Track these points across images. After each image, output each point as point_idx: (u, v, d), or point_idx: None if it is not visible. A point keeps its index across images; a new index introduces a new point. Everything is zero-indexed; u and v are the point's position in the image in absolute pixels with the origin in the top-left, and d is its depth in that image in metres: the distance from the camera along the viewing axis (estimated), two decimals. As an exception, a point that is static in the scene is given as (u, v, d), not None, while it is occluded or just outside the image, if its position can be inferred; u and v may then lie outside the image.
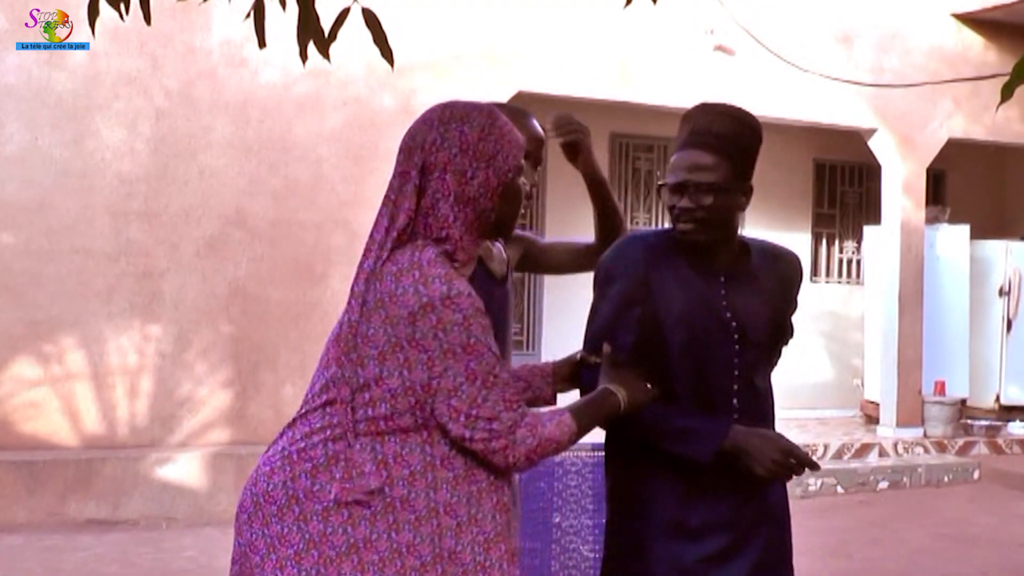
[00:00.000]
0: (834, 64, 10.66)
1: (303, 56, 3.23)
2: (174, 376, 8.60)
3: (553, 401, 2.84)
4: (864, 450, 10.63)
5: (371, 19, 3.10)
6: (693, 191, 2.72)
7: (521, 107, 3.20)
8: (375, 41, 3.12)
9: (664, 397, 2.70)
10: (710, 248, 2.79)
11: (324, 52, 3.21)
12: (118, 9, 3.13)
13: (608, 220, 3.42)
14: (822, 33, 10.73)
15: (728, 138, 2.76)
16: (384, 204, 2.37)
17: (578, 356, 2.84)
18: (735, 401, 2.79)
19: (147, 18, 3.19)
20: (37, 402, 8.29)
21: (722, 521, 2.77)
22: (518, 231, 3.39)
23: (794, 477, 2.73)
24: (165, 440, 8.57)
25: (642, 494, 2.80)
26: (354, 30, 3.17)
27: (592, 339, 2.79)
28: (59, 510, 7.88)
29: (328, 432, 2.30)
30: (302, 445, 2.31)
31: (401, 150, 2.39)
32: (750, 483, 2.72)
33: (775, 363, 3.01)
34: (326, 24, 3.17)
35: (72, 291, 8.35)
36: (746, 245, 2.90)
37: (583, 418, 2.45)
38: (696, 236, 2.74)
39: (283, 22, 3.43)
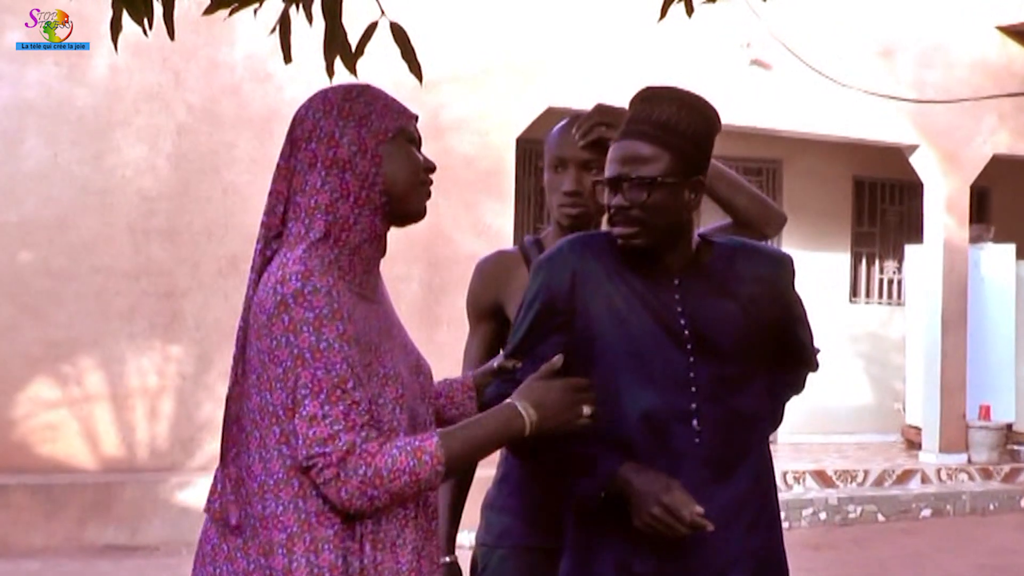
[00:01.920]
0: (874, 79, 10.55)
1: (330, 71, 3.12)
2: (195, 398, 8.56)
3: None
4: (906, 476, 10.52)
5: (399, 33, 3.01)
6: (627, 187, 2.38)
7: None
8: (403, 56, 3.03)
9: (604, 419, 2.36)
10: (656, 250, 2.44)
11: (351, 67, 3.12)
12: (142, 24, 3.07)
13: (716, 196, 2.92)
14: (862, 47, 10.64)
15: (669, 126, 2.40)
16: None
17: (495, 364, 2.50)
18: (695, 422, 2.39)
19: (171, 33, 3.11)
20: (55, 424, 8.27)
21: (673, 571, 2.38)
22: None
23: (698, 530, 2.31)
24: (186, 464, 8.53)
25: (595, 525, 2.45)
26: (381, 44, 3.08)
27: (512, 351, 2.48)
28: (77, 535, 7.85)
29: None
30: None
31: None
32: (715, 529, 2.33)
33: (789, 388, 2.68)
34: (353, 38, 3.10)
35: (92, 311, 8.33)
36: (710, 243, 2.54)
37: (458, 442, 2.09)
38: (633, 240, 2.40)
39: (309, 36, 3.36)
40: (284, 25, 3.09)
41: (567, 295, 2.41)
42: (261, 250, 2.16)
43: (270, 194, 2.20)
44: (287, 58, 3.15)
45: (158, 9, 3.08)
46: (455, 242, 8.94)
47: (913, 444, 11.62)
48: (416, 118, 2.27)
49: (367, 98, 2.20)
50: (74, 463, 8.25)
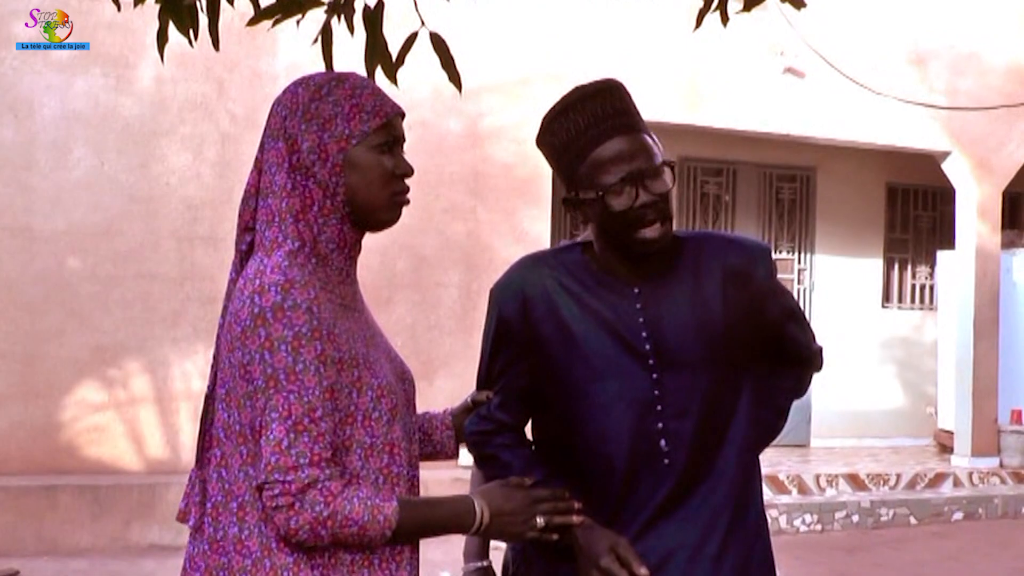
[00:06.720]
0: (907, 86, 10.51)
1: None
2: (238, 401, 8.57)
3: (455, 455, 2.40)
4: (938, 480, 10.44)
5: (439, 43, 3.01)
6: (652, 179, 2.15)
7: None
8: (443, 65, 3.03)
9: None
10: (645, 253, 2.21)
11: (392, 77, 3.11)
12: (187, 35, 3.08)
13: None
14: (895, 54, 10.58)
15: (639, 114, 2.25)
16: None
17: (469, 399, 2.37)
18: (663, 443, 2.18)
19: (215, 44, 3.12)
20: (102, 426, 8.32)
21: None
22: None
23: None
24: (228, 466, 8.53)
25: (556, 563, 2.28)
26: (422, 54, 3.10)
27: (481, 383, 2.35)
28: (123, 535, 7.89)
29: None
30: None
31: None
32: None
33: (789, 392, 2.39)
34: (393, 48, 3.09)
35: (137, 316, 8.38)
36: (675, 239, 2.28)
37: (415, 515, 1.99)
38: (665, 240, 2.18)
39: (351, 47, 3.36)
40: (326, 35, 3.09)
41: (520, 322, 2.23)
42: (238, 255, 2.07)
43: (246, 186, 2.08)
44: (329, 68, 3.09)
45: (203, 20, 3.10)
46: (493, 248, 8.97)
47: (945, 448, 11.50)
48: (401, 113, 2.12)
49: (338, 96, 2.03)
50: (120, 465, 8.30)
